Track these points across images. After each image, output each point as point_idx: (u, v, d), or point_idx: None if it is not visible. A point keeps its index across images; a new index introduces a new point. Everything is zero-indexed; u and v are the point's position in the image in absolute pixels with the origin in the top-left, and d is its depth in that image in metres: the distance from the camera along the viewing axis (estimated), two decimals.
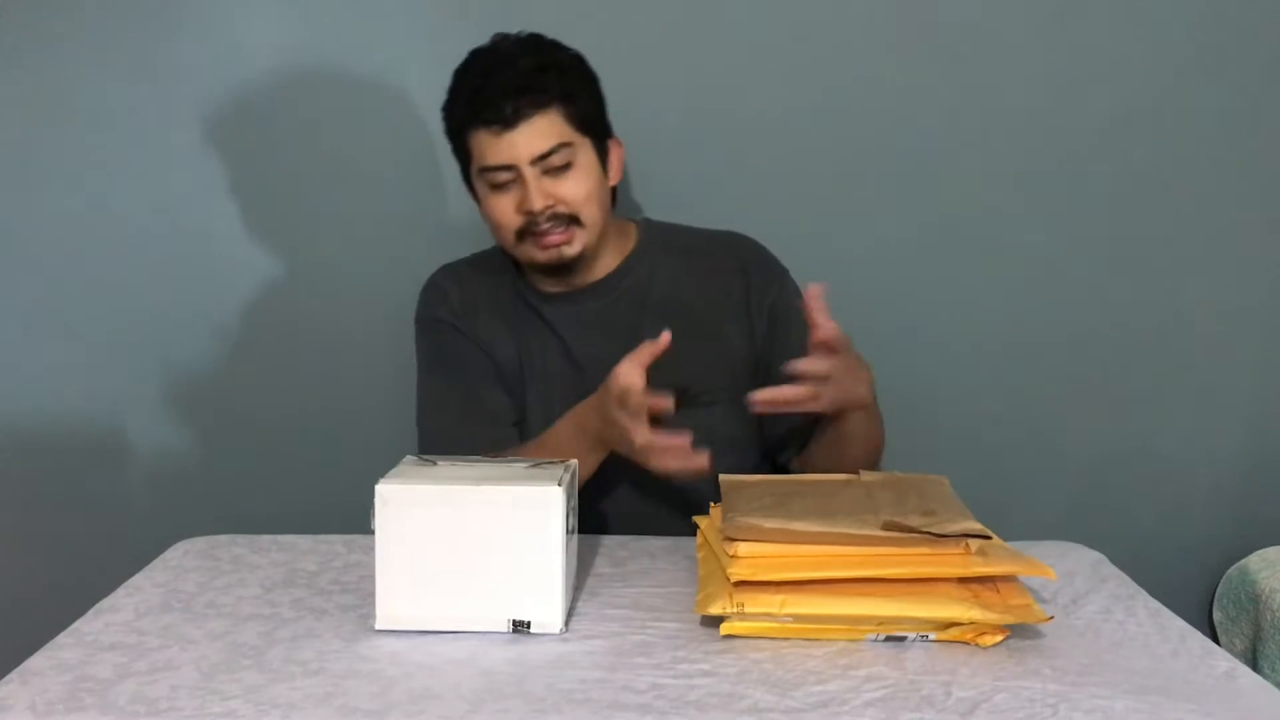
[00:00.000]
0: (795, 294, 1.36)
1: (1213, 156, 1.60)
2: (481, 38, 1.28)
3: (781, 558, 0.93)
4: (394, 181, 1.59)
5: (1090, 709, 0.80)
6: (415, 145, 1.56)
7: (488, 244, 1.40)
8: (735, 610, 0.91)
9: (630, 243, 1.37)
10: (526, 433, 1.32)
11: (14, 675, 0.86)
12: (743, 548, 0.94)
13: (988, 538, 0.95)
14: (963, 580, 0.93)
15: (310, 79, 1.55)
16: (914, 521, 0.94)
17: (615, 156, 1.33)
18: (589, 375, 1.29)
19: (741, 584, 0.92)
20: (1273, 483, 1.67)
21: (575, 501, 1.00)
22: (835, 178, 1.59)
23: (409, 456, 1.01)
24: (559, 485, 0.92)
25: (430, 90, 1.57)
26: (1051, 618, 0.93)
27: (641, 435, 1.10)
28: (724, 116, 1.56)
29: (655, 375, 1.30)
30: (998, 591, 0.94)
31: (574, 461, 1.02)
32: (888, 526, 0.93)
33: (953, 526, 0.94)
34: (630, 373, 1.09)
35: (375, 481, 0.92)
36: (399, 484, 0.92)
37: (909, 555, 0.93)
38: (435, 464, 0.99)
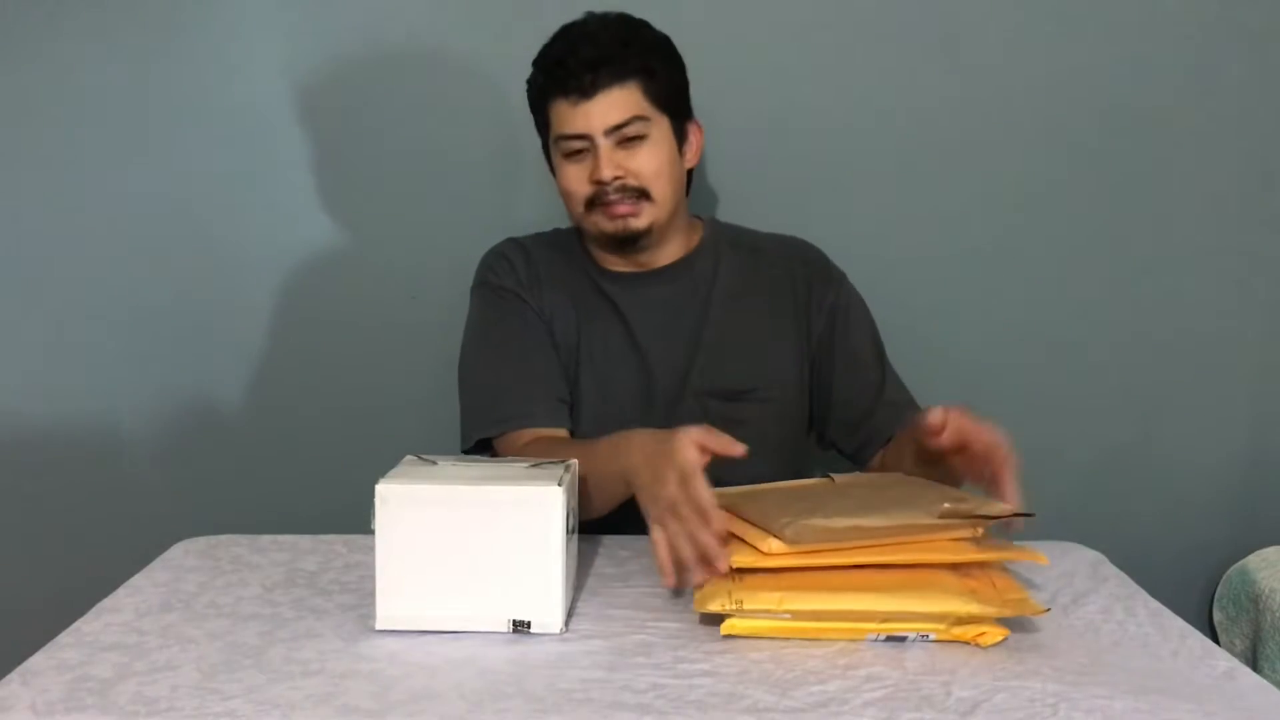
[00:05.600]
0: (853, 297, 1.37)
1: (1213, 157, 1.60)
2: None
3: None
4: (396, 182, 1.58)
5: (1090, 709, 0.80)
6: (416, 145, 1.56)
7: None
8: (734, 607, 0.91)
9: (697, 236, 1.38)
10: (578, 416, 1.31)
11: (14, 675, 0.86)
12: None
13: (1032, 515, 0.94)
14: (960, 576, 0.93)
15: (309, 74, 1.55)
16: (967, 507, 0.93)
17: (694, 139, 1.33)
18: (648, 359, 1.31)
19: (740, 579, 0.92)
20: (1273, 483, 1.67)
21: (575, 501, 1.00)
22: (835, 179, 1.59)
23: (409, 456, 1.01)
24: (559, 485, 0.92)
25: (423, 84, 1.58)
26: (1048, 609, 0.93)
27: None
28: (731, 117, 1.56)
29: (713, 370, 1.31)
30: (994, 586, 0.94)
31: (574, 461, 1.02)
32: (946, 515, 0.93)
33: (1001, 506, 0.94)
34: (695, 456, 0.97)
35: (376, 481, 0.92)
36: (399, 484, 0.92)
37: (905, 544, 0.93)
38: (435, 464, 0.99)
